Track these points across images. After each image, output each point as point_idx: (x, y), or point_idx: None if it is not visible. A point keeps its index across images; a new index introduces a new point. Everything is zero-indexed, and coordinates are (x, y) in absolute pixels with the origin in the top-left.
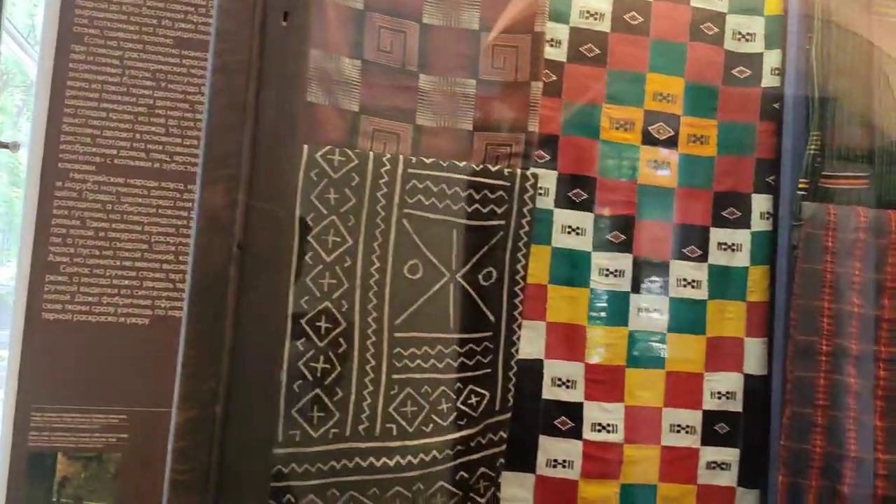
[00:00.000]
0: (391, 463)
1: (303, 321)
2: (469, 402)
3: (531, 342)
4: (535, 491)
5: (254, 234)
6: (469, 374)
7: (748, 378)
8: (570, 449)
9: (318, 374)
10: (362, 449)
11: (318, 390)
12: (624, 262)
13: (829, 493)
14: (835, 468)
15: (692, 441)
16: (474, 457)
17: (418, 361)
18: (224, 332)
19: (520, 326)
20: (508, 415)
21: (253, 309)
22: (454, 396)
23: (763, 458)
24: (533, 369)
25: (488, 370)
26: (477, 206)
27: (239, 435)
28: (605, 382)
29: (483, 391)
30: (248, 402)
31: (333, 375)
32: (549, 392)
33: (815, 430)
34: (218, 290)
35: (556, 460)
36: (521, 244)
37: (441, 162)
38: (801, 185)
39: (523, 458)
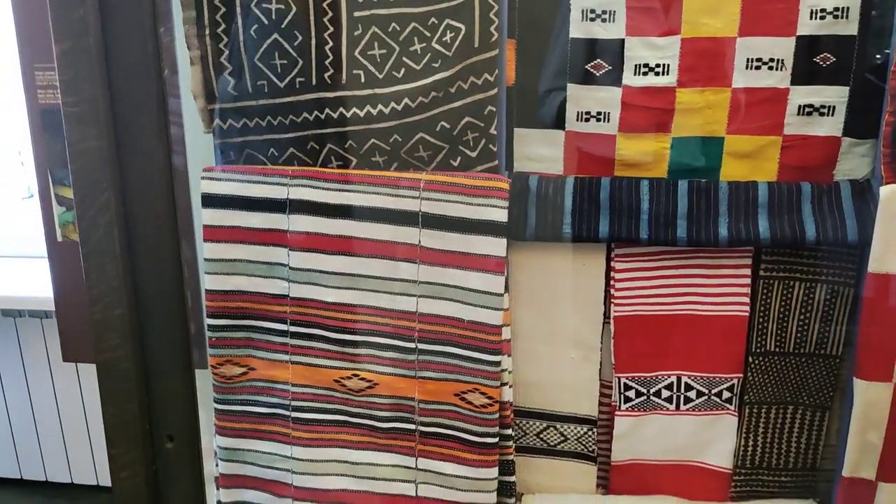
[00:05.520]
0: (361, 113)
1: None
2: (443, 39)
3: None
4: (565, 149)
5: None
6: (443, 4)
7: None
8: (606, 98)
9: (273, 17)
10: (330, 99)
11: (276, 35)
12: None
13: None
14: None
15: (779, 79)
16: (455, 104)
17: None
18: None
19: None
20: (494, 52)
21: None
22: (427, 34)
23: (881, 98)
24: None
25: None
26: None
27: None
28: (653, 10)
29: (458, 24)
30: None
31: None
32: (578, 28)
33: None
34: None
35: (588, 113)
36: None
37: None
38: None
39: (550, 113)
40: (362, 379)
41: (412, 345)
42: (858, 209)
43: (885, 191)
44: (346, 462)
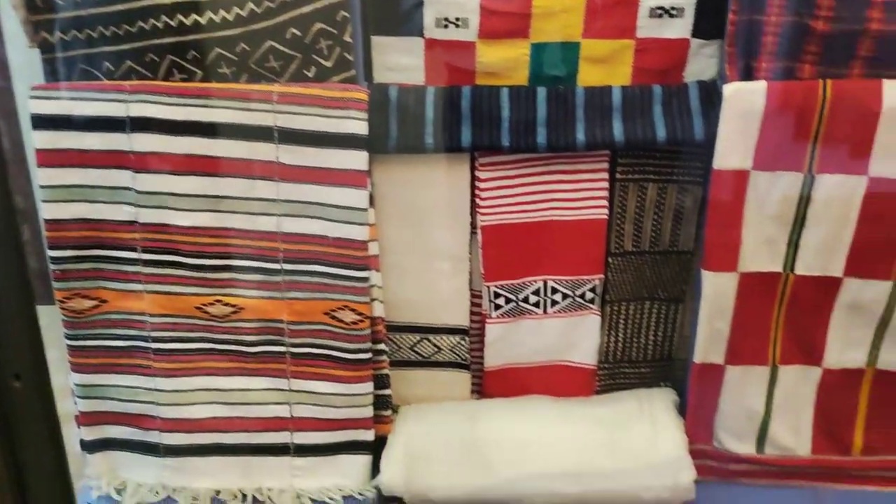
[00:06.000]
0: (202, 20)
1: None
2: None
3: None
4: (425, 58)
5: None
6: None
7: None
8: (464, 2)
9: None
10: (167, 5)
11: None
12: None
13: (798, 30)
14: None
15: None
16: (305, 10)
17: None
18: None
19: None
20: None
21: None
22: None
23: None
24: None
25: None
26: None
27: None
28: None
29: None
30: None
31: None
32: None
33: None
34: None
35: (447, 18)
36: None
37: None
38: None
39: (407, 19)
40: (226, 304)
41: (277, 266)
42: (705, 109)
43: (728, 89)
44: (215, 390)
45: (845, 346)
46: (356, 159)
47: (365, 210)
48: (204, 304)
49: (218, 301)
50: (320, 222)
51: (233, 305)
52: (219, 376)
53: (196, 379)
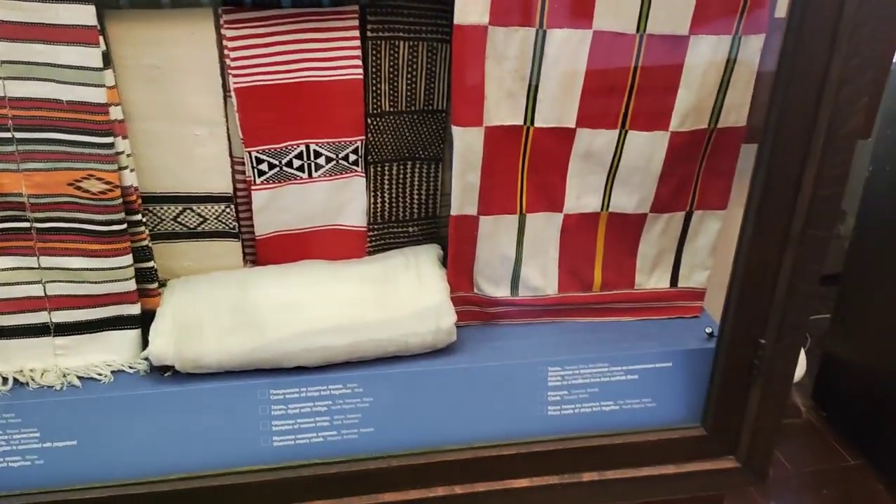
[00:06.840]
0: None
1: None
2: None
3: None
4: None
5: None
6: None
7: None
8: None
9: None
10: None
11: None
12: None
13: None
14: None
15: None
16: None
17: None
18: None
19: None
20: None
21: None
22: None
23: None
24: None
25: None
26: None
27: None
28: None
29: None
30: None
31: None
32: None
33: None
34: None
35: None
36: None
37: None
38: None
39: None
40: None
41: (7, 134)
42: None
43: None
44: None
45: (582, 193)
46: (83, 13)
47: (99, 70)
48: None
49: None
50: (51, 85)
51: None
52: None
53: None
